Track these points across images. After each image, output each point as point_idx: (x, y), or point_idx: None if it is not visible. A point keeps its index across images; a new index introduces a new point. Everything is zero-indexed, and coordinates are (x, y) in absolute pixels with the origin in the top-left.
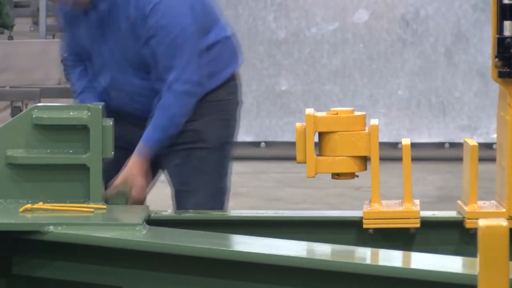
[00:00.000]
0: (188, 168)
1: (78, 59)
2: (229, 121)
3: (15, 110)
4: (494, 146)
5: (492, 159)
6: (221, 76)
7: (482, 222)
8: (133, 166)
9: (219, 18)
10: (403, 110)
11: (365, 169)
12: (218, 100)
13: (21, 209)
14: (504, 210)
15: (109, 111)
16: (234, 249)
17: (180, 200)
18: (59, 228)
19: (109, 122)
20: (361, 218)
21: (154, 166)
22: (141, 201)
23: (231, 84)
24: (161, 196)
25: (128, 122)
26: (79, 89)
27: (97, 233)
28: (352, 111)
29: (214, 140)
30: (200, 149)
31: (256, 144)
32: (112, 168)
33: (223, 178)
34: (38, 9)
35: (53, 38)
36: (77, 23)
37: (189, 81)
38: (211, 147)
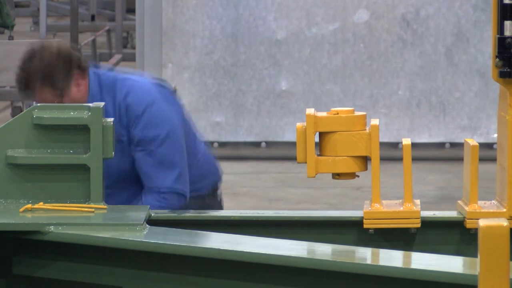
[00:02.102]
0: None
1: None
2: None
3: (16, 110)
4: (494, 146)
5: (493, 159)
6: (202, 188)
7: (482, 222)
8: None
9: (195, 129)
10: (404, 110)
11: (366, 169)
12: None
13: (21, 209)
14: (504, 210)
15: None
16: (234, 249)
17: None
18: (59, 228)
19: (110, 122)
20: (362, 218)
21: None
22: None
23: (210, 199)
24: None
25: None
26: None
27: (97, 233)
28: (353, 111)
29: None
30: None
31: (256, 144)
32: None
33: None
34: (38, 9)
35: (54, 38)
36: None
37: (181, 190)
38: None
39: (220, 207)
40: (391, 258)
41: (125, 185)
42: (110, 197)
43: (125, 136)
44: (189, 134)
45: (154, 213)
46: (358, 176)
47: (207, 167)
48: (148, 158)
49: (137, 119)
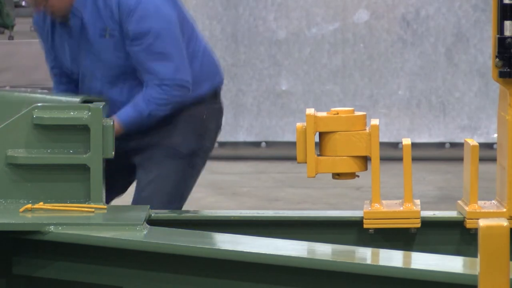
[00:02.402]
0: (150, 171)
1: (61, 73)
2: (203, 136)
3: None
4: (494, 146)
5: (493, 159)
6: (202, 89)
7: (482, 222)
8: None
9: (196, 29)
10: (404, 110)
11: (366, 169)
12: (196, 115)
13: (21, 209)
14: (504, 210)
15: None
16: (234, 249)
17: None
18: (59, 228)
19: (110, 122)
20: (362, 218)
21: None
22: None
23: (212, 102)
24: None
25: None
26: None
27: (97, 233)
28: (353, 111)
29: (184, 148)
30: (167, 152)
31: (256, 144)
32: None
33: (181, 187)
34: None
35: None
36: (56, 35)
37: (182, 81)
38: (179, 154)
39: (220, 113)
40: (391, 258)
41: (123, 79)
42: (111, 91)
43: (116, 30)
44: (188, 31)
45: (154, 213)
46: (358, 176)
47: (207, 67)
48: (144, 53)
49: (130, 14)
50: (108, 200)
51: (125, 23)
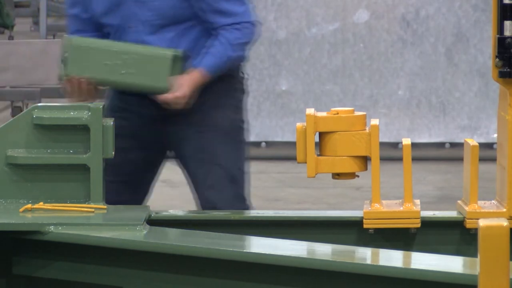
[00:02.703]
0: (205, 161)
1: (82, 20)
2: (241, 109)
3: (16, 110)
4: (494, 146)
5: (493, 159)
6: (244, 55)
7: (482, 222)
8: (186, 78)
9: None
10: (404, 110)
11: (366, 169)
12: (234, 83)
13: (21, 209)
14: (504, 210)
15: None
16: (234, 249)
17: (203, 197)
18: (59, 228)
19: (110, 122)
20: (362, 218)
21: (161, 154)
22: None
23: (242, 71)
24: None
25: (133, 110)
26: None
27: (97, 233)
28: (353, 111)
29: (227, 125)
30: (213, 133)
31: (256, 144)
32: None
33: (240, 162)
34: (38, 9)
35: (54, 38)
36: None
37: (255, 21)
38: (224, 131)
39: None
40: (391, 258)
41: (168, 28)
42: (156, 35)
43: None
44: None
45: (154, 213)
46: (358, 176)
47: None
48: None
49: None
50: (132, 202)
51: None
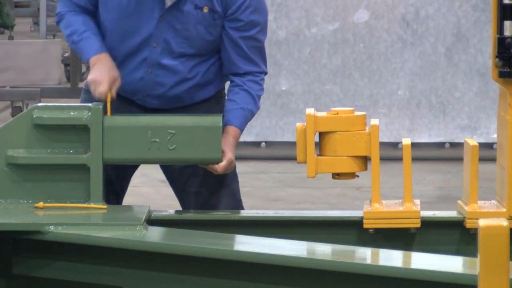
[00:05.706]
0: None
1: (82, 10)
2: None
3: (16, 110)
4: (494, 146)
5: (493, 159)
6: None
7: (482, 222)
8: (227, 143)
9: None
10: (403, 110)
11: (366, 169)
12: (222, 101)
13: (21, 209)
14: (504, 210)
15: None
16: (234, 249)
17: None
18: (59, 228)
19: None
20: (362, 218)
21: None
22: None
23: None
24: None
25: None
26: (83, 28)
27: (97, 233)
28: (353, 111)
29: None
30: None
31: (256, 144)
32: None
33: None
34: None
35: (54, 38)
36: None
37: (264, 77)
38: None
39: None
40: (391, 258)
41: (198, 54)
42: (178, 61)
43: (218, 12)
44: None
45: (154, 213)
46: (358, 176)
47: None
48: (252, 42)
49: (243, 3)
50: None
51: (238, 12)
